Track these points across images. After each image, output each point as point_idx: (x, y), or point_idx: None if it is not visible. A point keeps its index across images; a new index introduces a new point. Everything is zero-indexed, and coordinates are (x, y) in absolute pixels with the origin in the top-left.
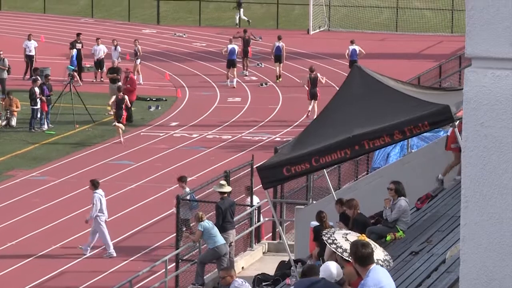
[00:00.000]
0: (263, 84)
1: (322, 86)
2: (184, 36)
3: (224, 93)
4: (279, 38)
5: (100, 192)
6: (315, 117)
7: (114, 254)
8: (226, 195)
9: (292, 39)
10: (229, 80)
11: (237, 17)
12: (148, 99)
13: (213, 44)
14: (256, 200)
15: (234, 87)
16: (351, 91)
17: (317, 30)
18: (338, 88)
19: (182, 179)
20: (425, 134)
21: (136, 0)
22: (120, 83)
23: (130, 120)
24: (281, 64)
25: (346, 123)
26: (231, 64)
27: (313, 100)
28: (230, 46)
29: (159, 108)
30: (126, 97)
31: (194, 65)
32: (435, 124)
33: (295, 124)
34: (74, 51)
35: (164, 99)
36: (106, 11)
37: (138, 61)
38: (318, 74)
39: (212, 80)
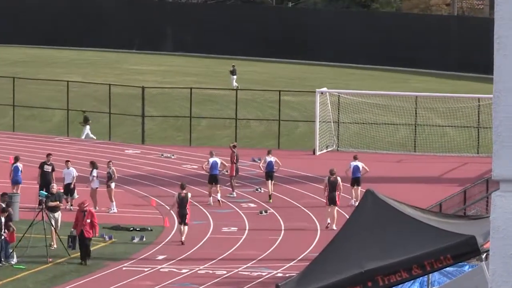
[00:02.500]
0: (263, 211)
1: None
2: (172, 157)
3: (218, 222)
4: (269, 152)
5: None
6: (334, 225)
7: None
8: None
9: (295, 161)
10: (211, 198)
11: (84, 135)
12: (131, 229)
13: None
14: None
15: (218, 202)
16: (363, 219)
17: (324, 151)
18: (348, 216)
19: None
20: (447, 269)
21: (117, 117)
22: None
23: (85, 259)
24: (273, 182)
25: (358, 256)
26: (213, 180)
27: (331, 205)
28: (211, 160)
29: (144, 239)
30: (190, 194)
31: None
32: (459, 258)
33: (299, 258)
34: (17, 165)
35: (149, 229)
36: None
37: (113, 185)
38: (338, 178)
39: (204, 207)
